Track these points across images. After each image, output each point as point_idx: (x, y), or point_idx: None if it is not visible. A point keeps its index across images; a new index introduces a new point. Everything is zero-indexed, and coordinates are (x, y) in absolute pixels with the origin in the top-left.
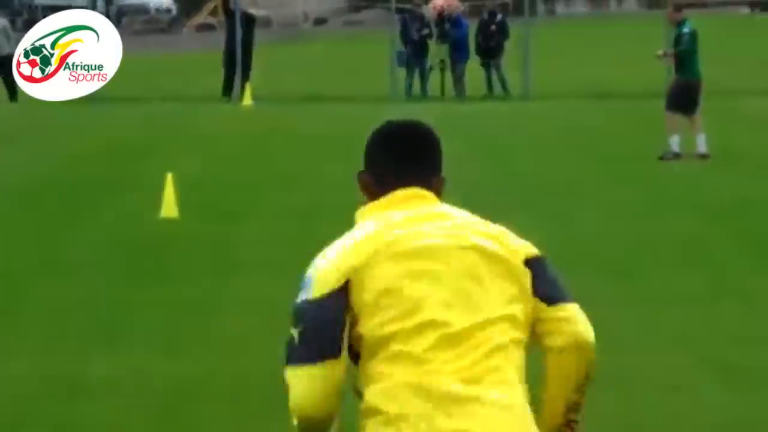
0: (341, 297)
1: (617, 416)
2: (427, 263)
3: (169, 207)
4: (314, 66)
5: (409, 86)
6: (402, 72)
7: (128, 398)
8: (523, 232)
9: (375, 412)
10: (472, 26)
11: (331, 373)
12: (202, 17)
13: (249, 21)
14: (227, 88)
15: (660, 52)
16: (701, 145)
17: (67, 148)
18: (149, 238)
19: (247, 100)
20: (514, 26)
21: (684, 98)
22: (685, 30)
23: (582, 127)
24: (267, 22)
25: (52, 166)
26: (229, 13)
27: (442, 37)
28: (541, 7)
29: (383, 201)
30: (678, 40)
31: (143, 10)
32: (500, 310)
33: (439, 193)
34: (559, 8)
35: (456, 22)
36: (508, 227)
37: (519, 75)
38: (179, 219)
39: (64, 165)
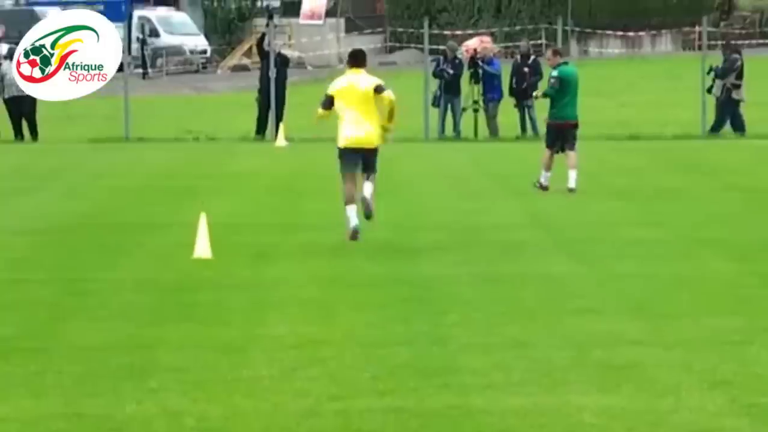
0: (331, 98)
1: None
2: (350, 92)
3: (203, 247)
4: None
5: (442, 127)
6: (435, 112)
7: None
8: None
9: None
10: (506, 68)
11: (326, 112)
12: (236, 58)
13: (283, 62)
14: (261, 128)
15: (536, 93)
16: (571, 180)
17: (101, 188)
18: (182, 278)
19: (281, 140)
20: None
21: (551, 138)
22: (553, 74)
23: (614, 168)
24: (301, 64)
25: (86, 206)
26: (263, 54)
27: (476, 78)
28: (574, 48)
29: (348, 72)
30: (548, 82)
31: (178, 51)
32: (370, 106)
33: (365, 67)
34: (593, 48)
35: (489, 62)
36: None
37: None
38: (212, 259)
39: (98, 205)
